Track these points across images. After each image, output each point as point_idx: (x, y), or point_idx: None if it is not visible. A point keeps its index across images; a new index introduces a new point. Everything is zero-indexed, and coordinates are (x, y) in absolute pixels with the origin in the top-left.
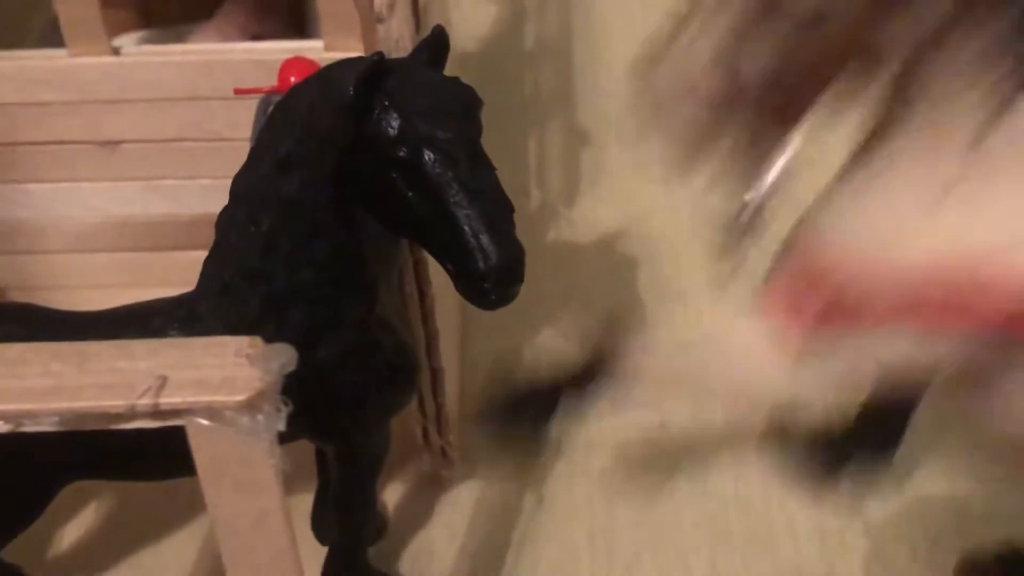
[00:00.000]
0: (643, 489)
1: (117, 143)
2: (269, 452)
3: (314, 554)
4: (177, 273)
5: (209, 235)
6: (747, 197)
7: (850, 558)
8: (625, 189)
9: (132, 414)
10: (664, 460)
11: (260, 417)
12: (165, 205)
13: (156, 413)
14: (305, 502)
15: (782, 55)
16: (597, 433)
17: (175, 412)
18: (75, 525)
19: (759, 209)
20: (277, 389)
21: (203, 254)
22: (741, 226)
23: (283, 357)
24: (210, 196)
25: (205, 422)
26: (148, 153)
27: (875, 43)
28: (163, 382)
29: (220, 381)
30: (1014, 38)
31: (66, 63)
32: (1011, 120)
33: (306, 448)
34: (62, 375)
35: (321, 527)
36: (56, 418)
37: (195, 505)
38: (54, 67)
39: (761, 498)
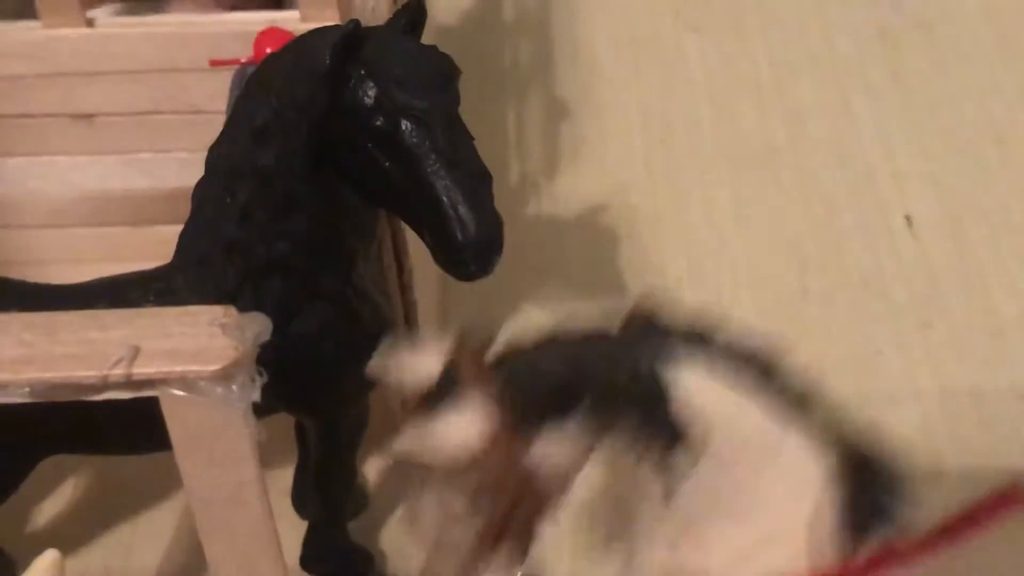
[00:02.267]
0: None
1: (92, 116)
2: (244, 422)
3: (294, 529)
4: (154, 247)
5: (186, 208)
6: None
7: None
8: (605, 162)
9: (104, 385)
10: None
11: (235, 387)
12: (142, 179)
13: (129, 384)
14: (285, 477)
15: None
16: None
17: (148, 383)
18: (52, 500)
19: None
20: (252, 359)
21: (181, 228)
22: None
23: (257, 326)
24: (187, 169)
25: (179, 392)
26: (124, 126)
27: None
28: (136, 352)
29: (194, 351)
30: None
31: (39, 35)
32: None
33: (286, 422)
34: (33, 345)
35: (302, 502)
36: (27, 389)
37: (172, 479)
38: (27, 39)
39: None
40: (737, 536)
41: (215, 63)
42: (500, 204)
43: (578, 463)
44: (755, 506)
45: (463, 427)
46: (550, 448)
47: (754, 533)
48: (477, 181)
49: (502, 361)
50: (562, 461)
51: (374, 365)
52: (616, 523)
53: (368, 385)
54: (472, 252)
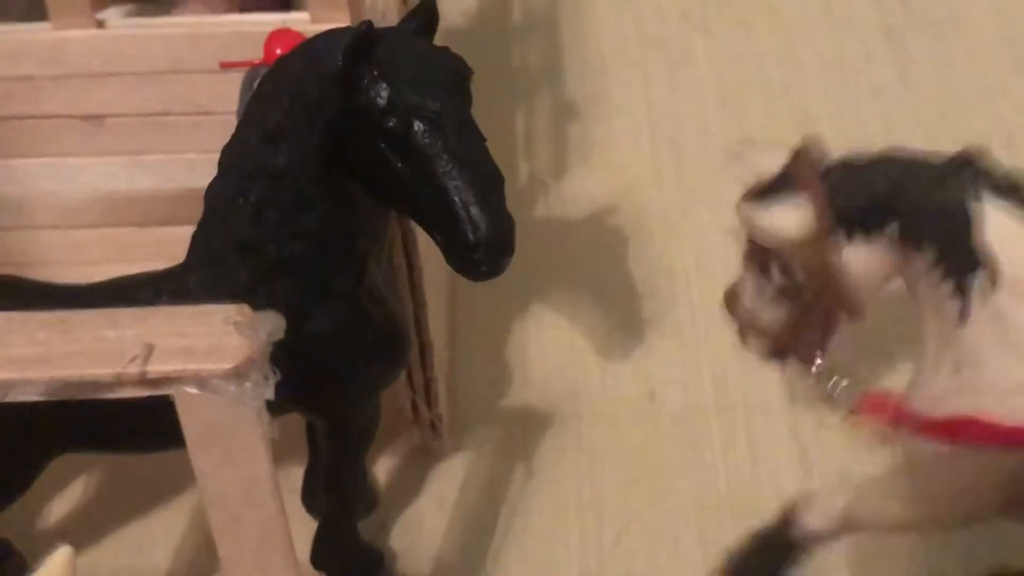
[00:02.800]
0: (632, 460)
1: (102, 117)
2: (258, 420)
3: (305, 528)
4: (164, 248)
5: (196, 210)
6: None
7: None
8: (614, 162)
9: (119, 383)
10: (653, 432)
11: (248, 385)
12: (151, 180)
13: (143, 382)
14: (296, 476)
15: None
16: (586, 405)
17: (162, 381)
18: (64, 498)
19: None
20: (265, 357)
21: (190, 229)
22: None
23: (271, 325)
24: (196, 170)
25: (193, 390)
26: (134, 127)
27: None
28: (150, 350)
29: (207, 349)
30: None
31: (50, 36)
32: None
33: (297, 422)
34: (48, 344)
35: (313, 501)
36: (42, 387)
37: (184, 478)
38: (37, 40)
39: (750, 469)
40: (1017, 369)
41: (225, 64)
42: (509, 204)
43: (882, 274)
44: None
45: (788, 217)
46: (860, 253)
47: None
48: (489, 182)
49: (833, 169)
50: (868, 269)
51: (731, 150)
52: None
53: (378, 386)
54: (483, 252)
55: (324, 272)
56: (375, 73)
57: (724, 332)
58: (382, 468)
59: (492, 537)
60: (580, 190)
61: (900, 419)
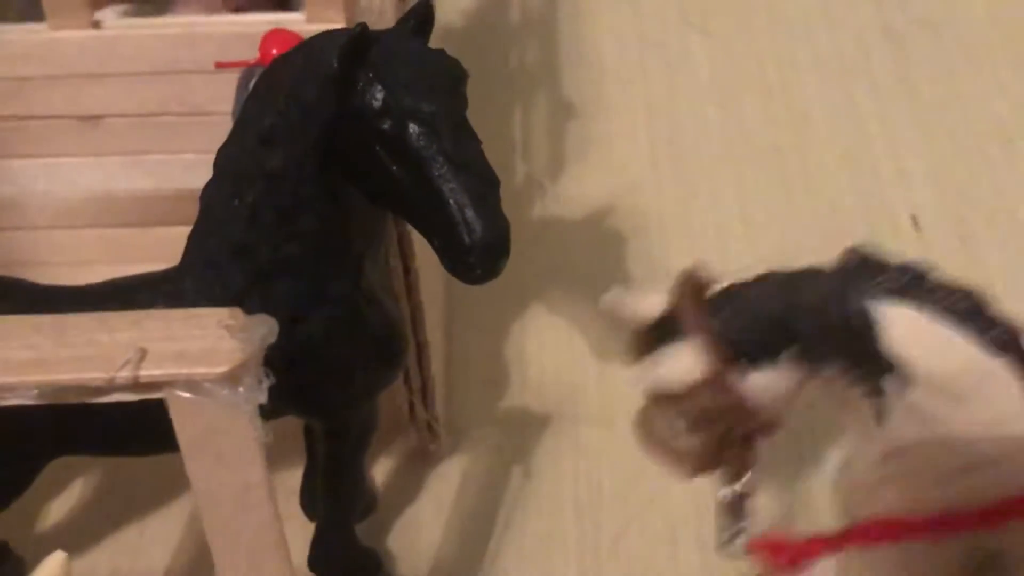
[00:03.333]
0: (630, 462)
1: (99, 117)
2: (251, 424)
3: (302, 530)
4: (161, 249)
5: (193, 210)
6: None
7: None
8: (612, 163)
9: (111, 387)
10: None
11: (241, 389)
12: (148, 180)
13: (136, 386)
14: (294, 478)
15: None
16: (584, 406)
17: (155, 385)
18: (61, 501)
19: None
20: (259, 361)
21: (187, 229)
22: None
23: (264, 328)
24: (193, 171)
25: (186, 395)
26: (130, 127)
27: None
28: (143, 354)
29: (200, 353)
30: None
31: (46, 37)
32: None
33: (295, 424)
34: (41, 348)
35: (311, 503)
36: (35, 391)
37: (179, 481)
38: (34, 41)
39: None
40: (943, 459)
41: (221, 65)
42: (506, 205)
43: (792, 392)
44: (964, 429)
45: (682, 362)
46: (763, 380)
47: (960, 458)
48: (484, 184)
49: (720, 300)
50: (776, 391)
51: (606, 301)
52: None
53: (376, 388)
54: (479, 255)
55: (320, 275)
56: (370, 75)
57: None
58: (380, 470)
59: (490, 539)
60: (578, 191)
61: (801, 554)
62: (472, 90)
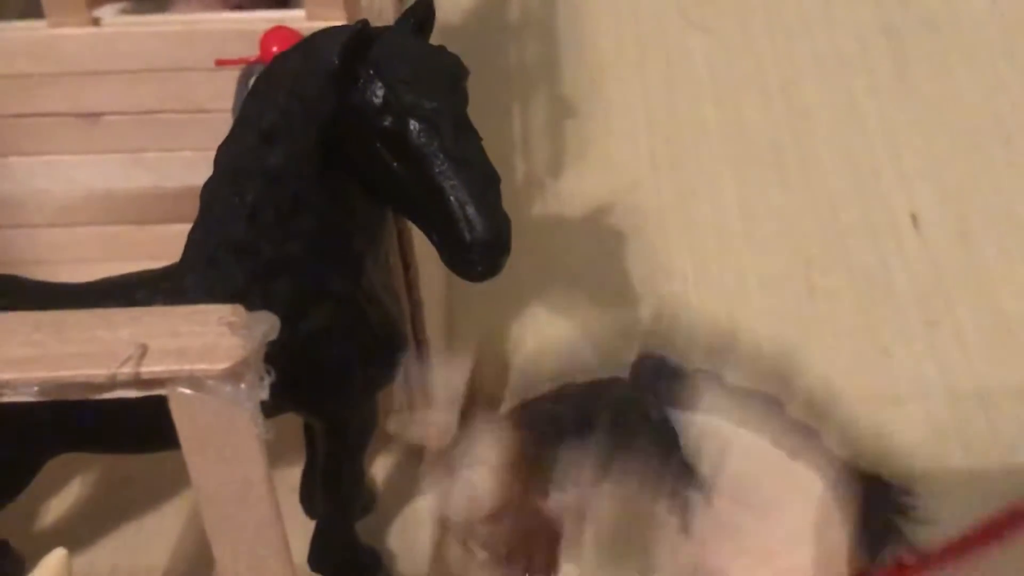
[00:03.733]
0: None
1: (98, 115)
2: (252, 421)
3: (302, 528)
4: (161, 246)
5: (193, 208)
6: None
7: None
8: (610, 161)
9: (113, 384)
10: None
11: (243, 386)
12: (148, 178)
13: (137, 382)
14: (293, 476)
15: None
16: None
17: (156, 381)
18: (60, 498)
19: None
20: (260, 357)
21: (187, 227)
22: None
23: (265, 325)
24: (193, 168)
25: (187, 391)
26: (130, 125)
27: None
28: (144, 351)
29: (202, 349)
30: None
31: (45, 34)
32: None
33: (294, 422)
34: (43, 344)
35: (310, 502)
36: (36, 388)
37: (179, 478)
38: (33, 38)
39: None
40: (752, 566)
41: (221, 62)
42: (506, 203)
43: (592, 503)
44: (768, 539)
45: (481, 486)
46: (564, 489)
47: (769, 564)
48: (485, 181)
49: (516, 412)
50: (576, 502)
51: (392, 424)
52: (633, 556)
53: (376, 386)
54: (480, 252)
55: (321, 272)
56: (371, 72)
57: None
58: (379, 468)
59: None
60: (577, 189)
61: None
62: (471, 88)
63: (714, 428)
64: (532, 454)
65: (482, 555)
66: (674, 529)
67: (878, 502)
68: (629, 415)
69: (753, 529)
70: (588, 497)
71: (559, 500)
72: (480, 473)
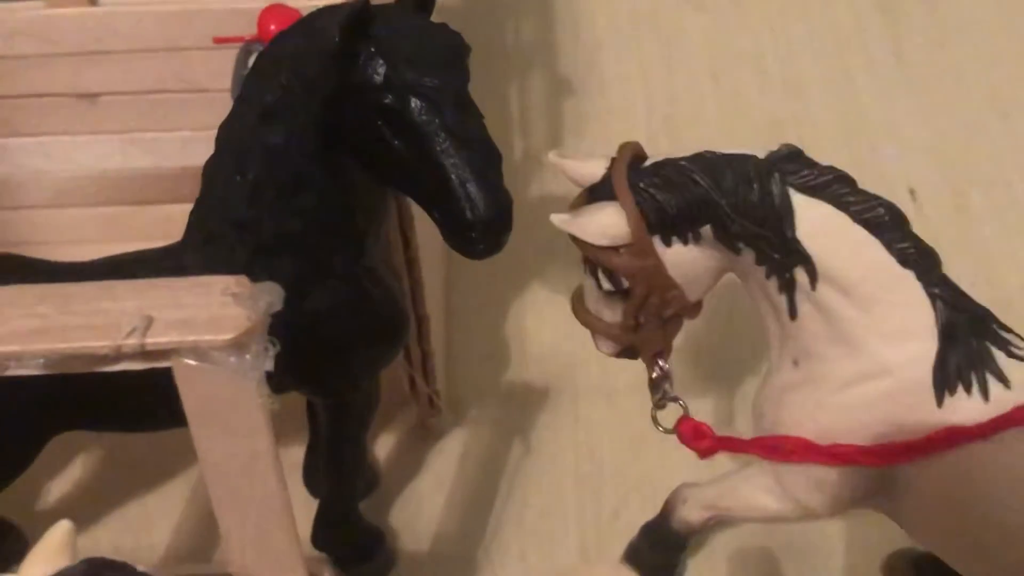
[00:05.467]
0: (629, 435)
1: (96, 95)
2: (258, 392)
3: (305, 506)
4: (159, 227)
5: (191, 188)
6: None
7: None
8: (608, 137)
9: (118, 355)
10: (650, 407)
11: (248, 356)
12: (146, 158)
13: (142, 354)
14: (297, 454)
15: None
16: (584, 380)
17: (161, 353)
18: (63, 477)
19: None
20: (264, 328)
21: (186, 207)
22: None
23: (269, 296)
24: (191, 148)
25: (192, 362)
26: (127, 105)
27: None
28: (149, 322)
29: (207, 320)
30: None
31: (42, 14)
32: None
33: (297, 399)
34: (47, 316)
35: (313, 480)
36: (41, 360)
37: (183, 457)
38: (30, 18)
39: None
40: (847, 364)
41: (219, 40)
42: (505, 181)
43: (708, 274)
44: (865, 336)
45: (598, 225)
46: (680, 257)
47: (861, 364)
48: (487, 159)
49: (646, 173)
50: (692, 270)
51: (551, 156)
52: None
53: (378, 364)
54: (481, 230)
55: (322, 251)
56: (372, 50)
57: (720, 304)
58: (381, 446)
59: (491, 513)
60: None
61: (716, 447)
62: (470, 66)
63: (833, 218)
64: (657, 204)
65: (607, 286)
66: (784, 310)
67: (978, 329)
68: (752, 186)
69: (855, 320)
70: (703, 260)
71: (676, 254)
72: (610, 206)
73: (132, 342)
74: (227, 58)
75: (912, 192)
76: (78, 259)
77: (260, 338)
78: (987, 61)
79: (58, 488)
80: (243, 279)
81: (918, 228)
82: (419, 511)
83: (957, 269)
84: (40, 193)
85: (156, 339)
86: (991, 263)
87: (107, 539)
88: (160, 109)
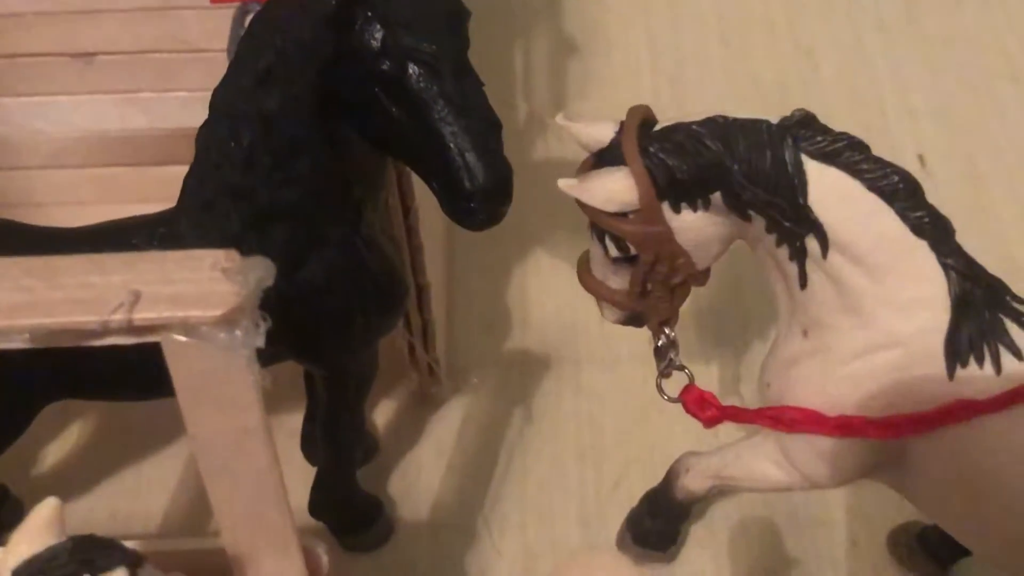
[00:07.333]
0: (630, 404)
1: (92, 55)
2: (248, 368)
3: (302, 475)
4: (155, 189)
5: (187, 149)
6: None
7: None
8: (614, 100)
9: (105, 330)
10: (652, 376)
11: (238, 332)
12: (142, 118)
13: (130, 329)
14: (294, 422)
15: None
16: (585, 349)
17: (150, 328)
18: (58, 445)
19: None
20: (255, 304)
21: (181, 169)
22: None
23: (260, 271)
24: (187, 109)
25: (181, 338)
26: (124, 65)
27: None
28: (137, 297)
29: (196, 296)
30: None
31: None
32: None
33: (295, 367)
34: (33, 290)
35: (311, 449)
36: (27, 335)
37: (177, 425)
38: None
39: None
40: (857, 334)
41: (216, 1)
42: (507, 144)
43: (718, 240)
44: (876, 306)
45: (615, 181)
46: (689, 223)
47: (871, 334)
48: (486, 128)
49: (661, 133)
50: (701, 236)
51: (558, 119)
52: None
53: (376, 334)
54: (480, 200)
55: (319, 219)
56: (369, 14)
57: (721, 274)
58: (380, 414)
59: (491, 482)
60: None
61: (721, 417)
62: (472, 27)
63: (846, 185)
64: (665, 174)
65: (614, 252)
66: (794, 277)
67: (991, 300)
68: (764, 150)
69: (866, 290)
70: (712, 226)
71: (685, 219)
72: (619, 171)
73: (119, 317)
74: (224, 18)
75: (921, 158)
76: (75, 220)
77: (251, 314)
78: (998, 24)
79: (54, 455)
80: (233, 253)
81: (927, 195)
82: (418, 480)
83: (967, 236)
84: (37, 154)
85: (144, 314)
86: (1002, 229)
87: (103, 506)
88: (157, 69)
